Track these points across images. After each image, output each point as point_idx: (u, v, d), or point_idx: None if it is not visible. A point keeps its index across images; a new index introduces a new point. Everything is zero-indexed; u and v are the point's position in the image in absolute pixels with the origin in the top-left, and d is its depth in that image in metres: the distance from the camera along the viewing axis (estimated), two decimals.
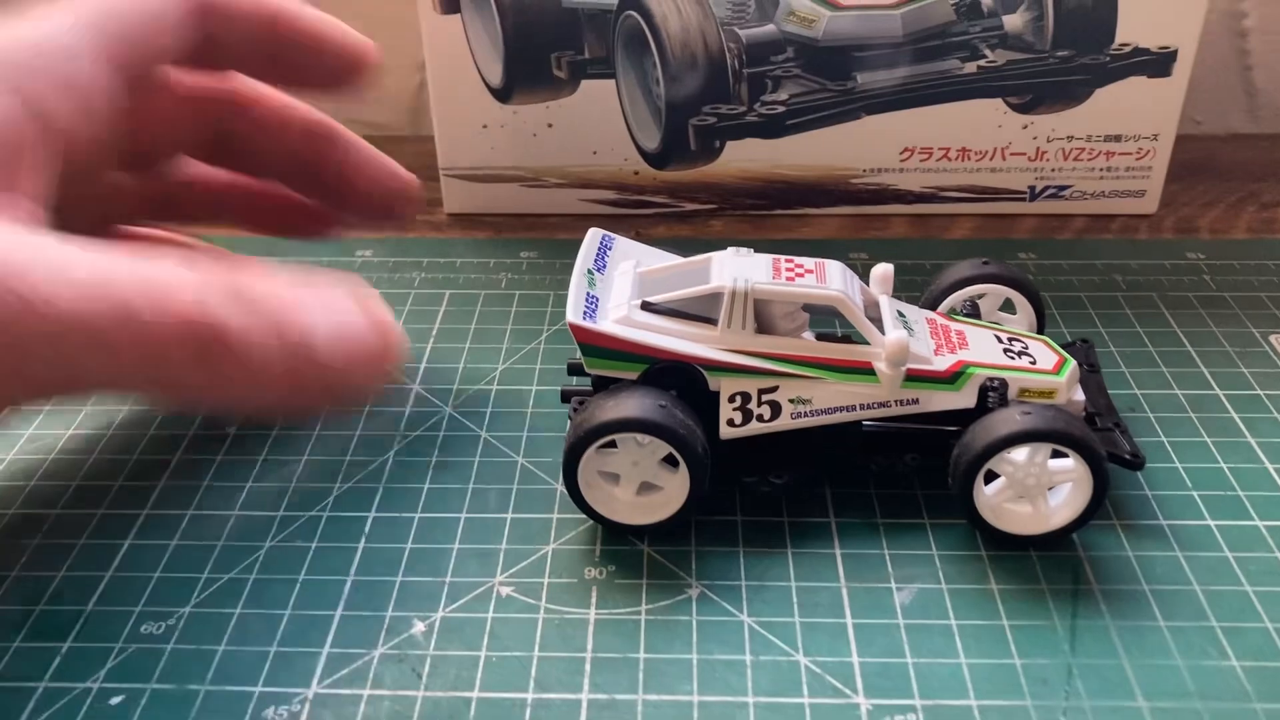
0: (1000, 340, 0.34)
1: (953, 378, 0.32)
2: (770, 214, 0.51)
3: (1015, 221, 0.50)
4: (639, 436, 0.31)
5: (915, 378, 0.32)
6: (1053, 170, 0.49)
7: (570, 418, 0.34)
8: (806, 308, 0.33)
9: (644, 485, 0.32)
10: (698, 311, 0.32)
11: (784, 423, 0.32)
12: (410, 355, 0.41)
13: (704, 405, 0.32)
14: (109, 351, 0.25)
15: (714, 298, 0.32)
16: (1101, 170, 0.49)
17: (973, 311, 0.37)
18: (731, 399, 0.32)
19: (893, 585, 0.31)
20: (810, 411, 0.32)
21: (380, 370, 0.29)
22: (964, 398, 0.32)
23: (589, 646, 0.29)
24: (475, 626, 0.30)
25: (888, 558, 0.32)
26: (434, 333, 0.43)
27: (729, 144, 0.49)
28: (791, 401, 0.32)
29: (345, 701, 0.28)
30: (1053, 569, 0.31)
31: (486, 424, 0.37)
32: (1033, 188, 0.50)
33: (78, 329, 0.24)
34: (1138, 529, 0.33)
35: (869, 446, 0.33)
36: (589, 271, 0.34)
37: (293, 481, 0.35)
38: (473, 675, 0.28)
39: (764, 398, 0.32)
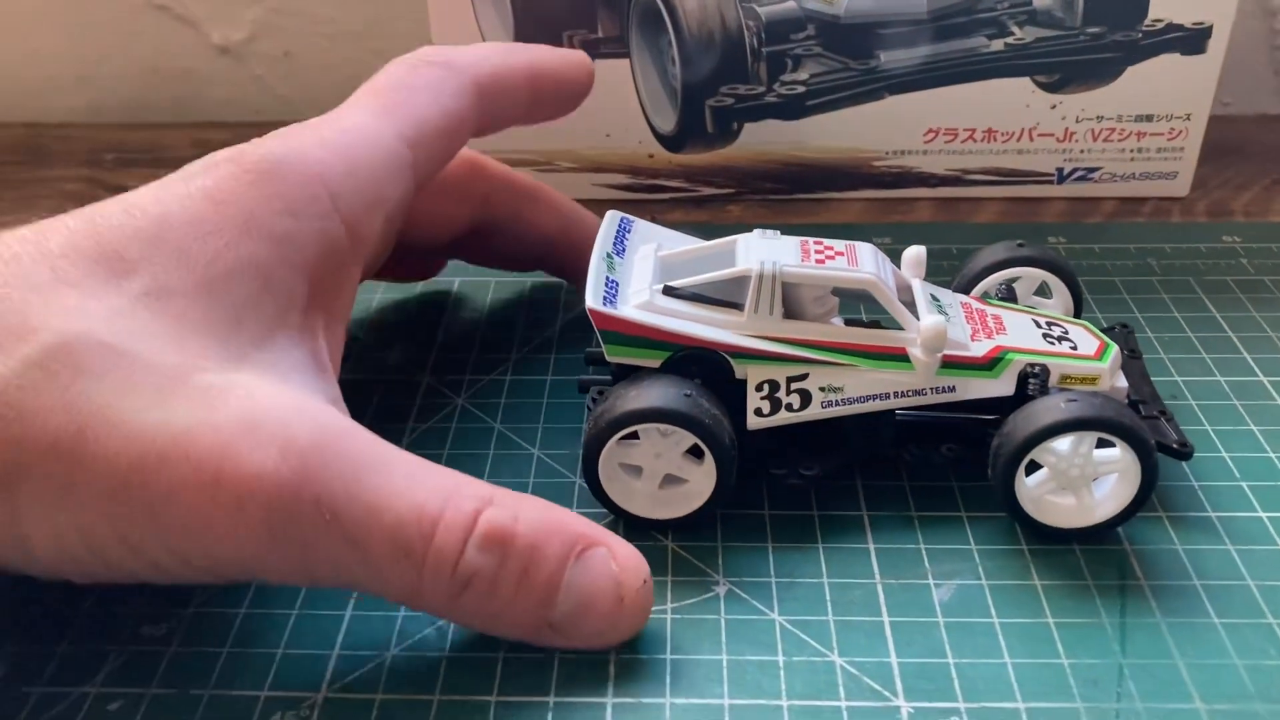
0: (1039, 325, 0.33)
1: (990, 364, 0.31)
2: (790, 198, 0.49)
3: (1043, 205, 0.48)
4: (662, 427, 0.29)
5: (952, 364, 0.30)
6: (1082, 152, 0.47)
7: (589, 409, 0.32)
8: (836, 292, 0.31)
9: (667, 478, 0.31)
10: (723, 296, 0.31)
11: (814, 412, 0.30)
12: (421, 345, 0.40)
13: (730, 394, 0.30)
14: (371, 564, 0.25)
15: (740, 282, 0.30)
16: (1132, 151, 0.47)
17: (1008, 295, 0.35)
18: (759, 387, 0.30)
19: (931, 581, 0.29)
20: (841, 400, 0.30)
21: (607, 629, 0.27)
22: (1002, 385, 0.31)
23: (611, 654, 0.28)
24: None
25: (924, 553, 0.30)
26: (444, 321, 0.41)
27: (747, 126, 0.47)
28: (822, 390, 0.30)
29: (357, 706, 0.26)
30: (1098, 564, 0.30)
31: (501, 416, 0.36)
32: (1061, 170, 0.48)
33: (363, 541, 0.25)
34: (1186, 521, 0.31)
35: (902, 436, 0.32)
36: (608, 255, 0.32)
37: None
38: (490, 680, 0.27)
39: (793, 386, 0.30)
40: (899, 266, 0.33)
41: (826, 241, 0.32)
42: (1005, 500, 0.30)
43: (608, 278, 0.31)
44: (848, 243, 0.32)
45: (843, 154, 0.48)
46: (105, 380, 0.24)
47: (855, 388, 0.30)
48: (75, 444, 0.23)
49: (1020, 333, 0.32)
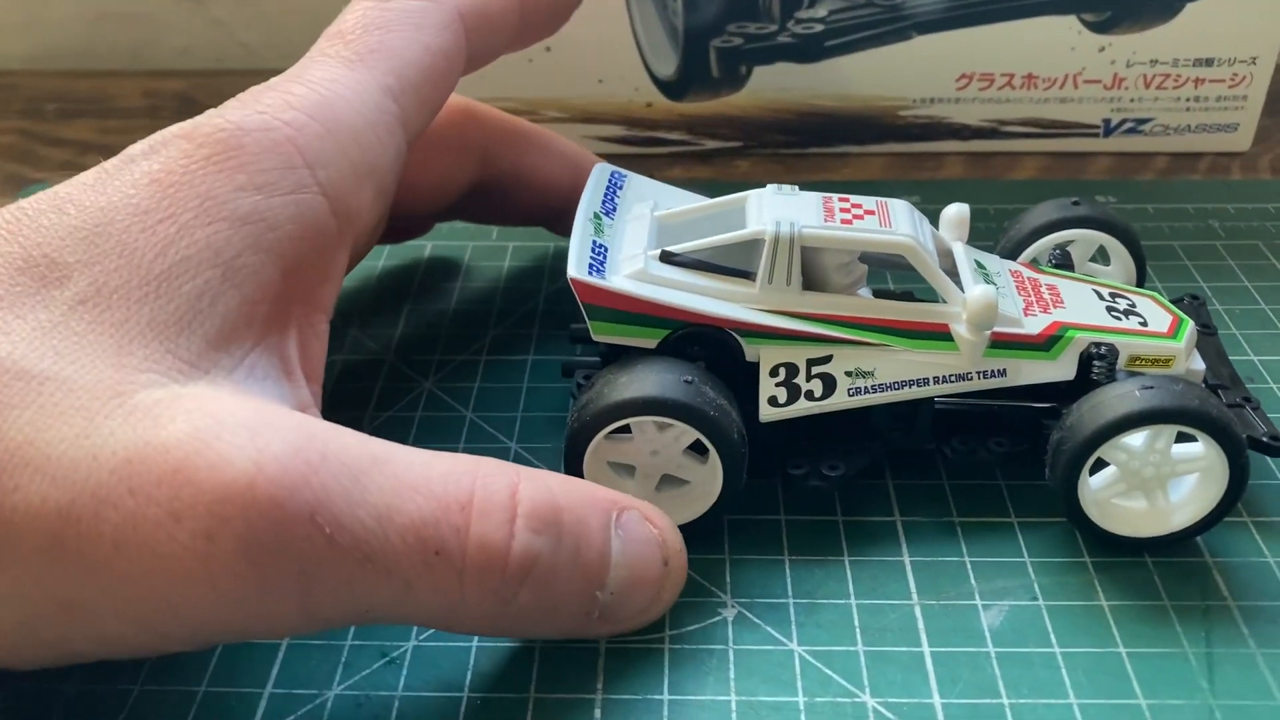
0: (1102, 296, 0.28)
1: (1048, 343, 0.26)
2: (804, 153, 0.44)
3: (1087, 161, 0.44)
4: (659, 420, 0.25)
5: (1002, 343, 0.26)
6: (1132, 101, 0.42)
7: (573, 396, 0.28)
8: (864, 259, 0.27)
9: (665, 479, 0.26)
10: (731, 264, 0.27)
11: (839, 400, 0.26)
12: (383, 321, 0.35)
13: (739, 380, 0.26)
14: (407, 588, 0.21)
15: (752, 246, 0.26)
16: (1188, 100, 0.42)
17: (1063, 262, 0.31)
18: (774, 372, 0.26)
19: (978, 602, 0.25)
20: (872, 386, 0.26)
21: (651, 602, 0.24)
22: (1062, 368, 0.26)
23: (600, 684, 0.23)
24: (455, 661, 0.24)
25: (969, 567, 0.26)
26: (412, 292, 0.36)
27: (757, 70, 0.42)
28: (848, 374, 0.26)
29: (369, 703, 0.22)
30: (1175, 581, 0.26)
31: (473, 403, 0.31)
32: (1108, 121, 0.43)
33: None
34: (1276, 529, 0.27)
35: (943, 429, 0.27)
36: (595, 216, 0.28)
37: None
38: None
39: (814, 370, 0.26)
40: (936, 228, 0.28)
41: (853, 198, 0.27)
42: (1066, 504, 0.26)
43: (595, 242, 0.27)
44: (878, 199, 0.27)
45: (864, 102, 0.43)
46: (24, 414, 0.19)
47: (888, 372, 0.26)
48: None
49: (1081, 306, 0.28)
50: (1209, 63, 0.42)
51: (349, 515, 0.20)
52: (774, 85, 0.43)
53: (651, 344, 0.26)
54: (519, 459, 0.29)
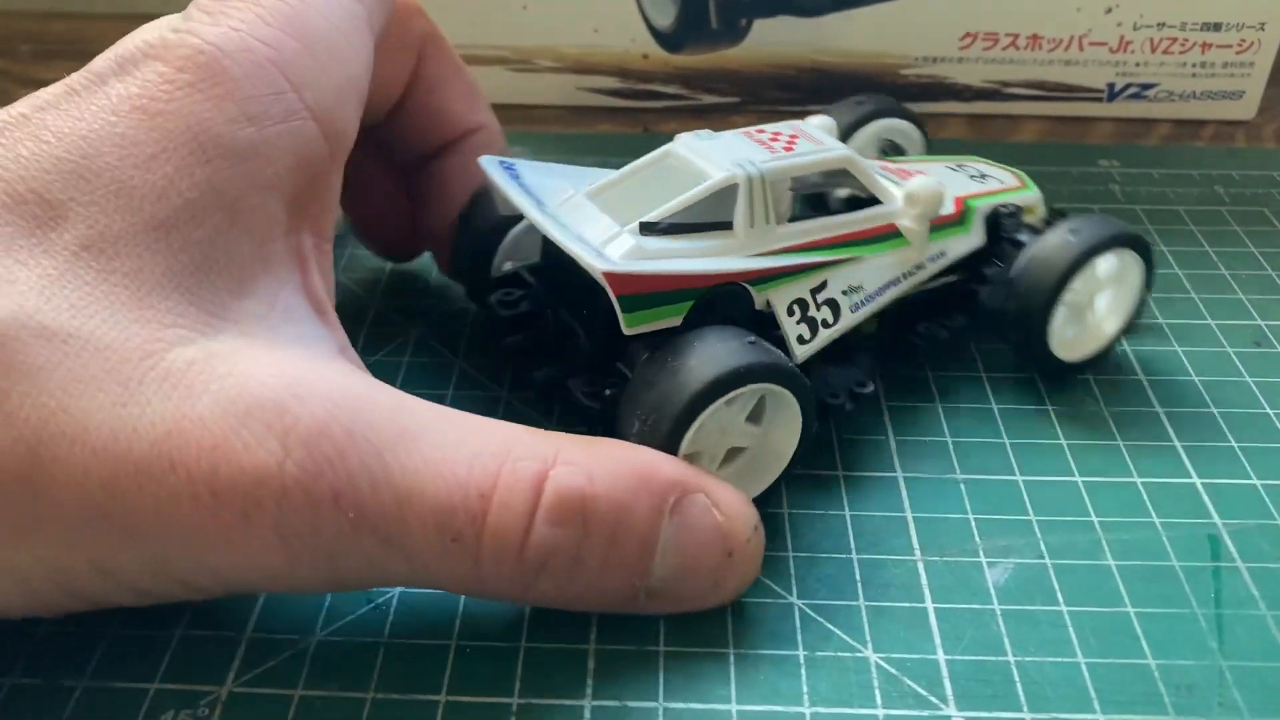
0: (955, 169, 0.31)
1: (962, 217, 0.29)
2: (803, 109, 0.43)
3: (1090, 126, 0.43)
4: (740, 391, 0.23)
5: (935, 228, 0.28)
6: (1137, 65, 0.42)
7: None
8: (798, 180, 0.27)
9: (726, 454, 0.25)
10: (702, 219, 0.25)
11: (846, 320, 0.26)
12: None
13: (757, 330, 0.25)
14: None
15: (720, 196, 0.25)
16: (1194, 66, 0.42)
17: (896, 150, 0.33)
18: (790, 311, 0.25)
19: (983, 560, 0.24)
20: (864, 299, 0.27)
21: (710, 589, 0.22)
22: (976, 237, 0.29)
23: (592, 638, 0.22)
24: (442, 607, 0.23)
25: (973, 524, 0.25)
26: None
27: (758, 23, 0.41)
28: (844, 293, 0.26)
29: (270, 703, 0.21)
30: (1184, 543, 0.25)
31: (463, 349, 0.30)
32: (1112, 85, 0.42)
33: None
34: None
35: (901, 322, 0.29)
36: (542, 208, 0.25)
37: None
38: (439, 675, 0.22)
39: (819, 298, 0.26)
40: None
41: (769, 128, 0.27)
42: (1039, 350, 0.28)
43: (575, 234, 0.24)
44: (790, 123, 0.28)
45: (867, 59, 0.42)
46: (52, 377, 0.18)
47: (871, 280, 0.27)
48: (28, 469, 0.18)
49: (954, 181, 0.30)
50: (1216, 27, 0.41)
51: (371, 499, 0.19)
52: (774, 39, 0.41)
53: (678, 320, 0.24)
54: (512, 412, 0.28)
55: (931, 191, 0.26)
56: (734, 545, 0.22)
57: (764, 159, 0.25)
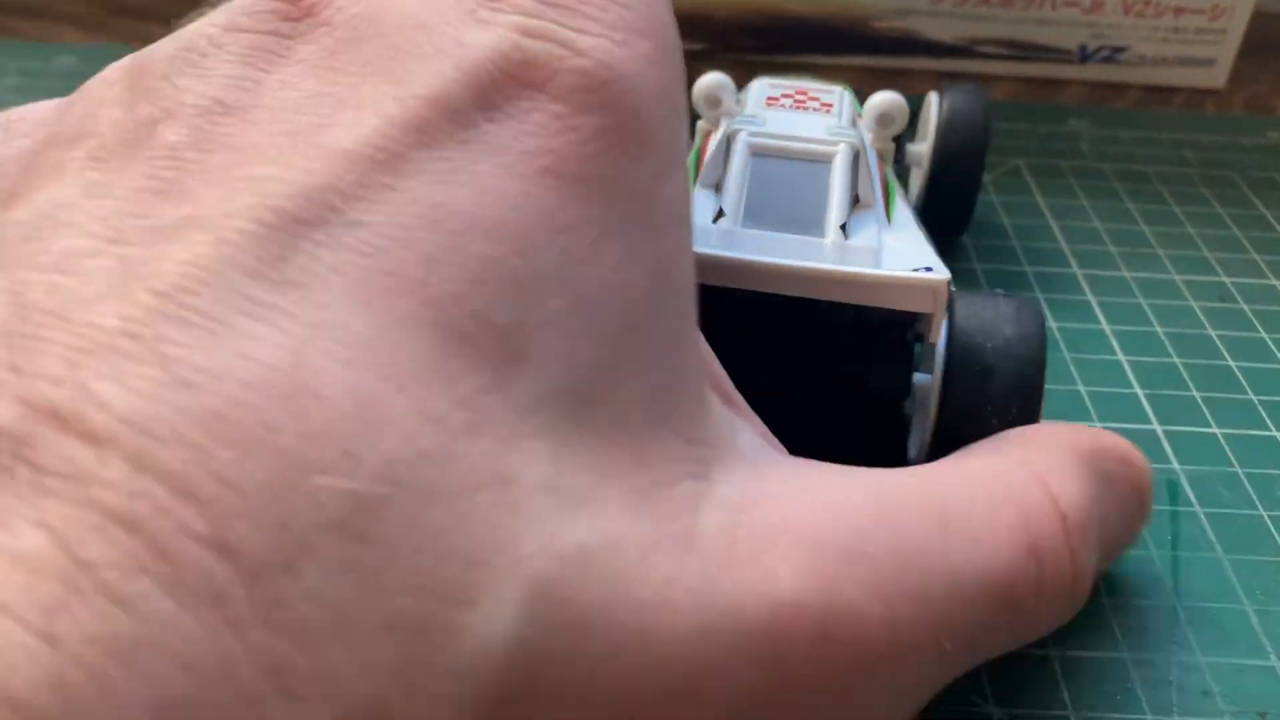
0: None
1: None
2: (769, 59, 0.42)
3: (1060, 88, 0.42)
4: None
5: None
6: (1109, 26, 0.41)
7: None
8: None
9: None
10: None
11: None
12: None
13: None
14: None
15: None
16: (1167, 31, 0.41)
17: None
18: None
19: None
20: None
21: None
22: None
23: None
24: None
25: None
26: None
27: None
28: None
29: None
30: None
31: None
32: (1084, 47, 0.42)
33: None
34: (1241, 441, 0.25)
35: None
36: None
37: None
38: None
39: None
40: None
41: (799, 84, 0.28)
42: None
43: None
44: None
45: (838, 9, 0.41)
46: (618, 588, 0.13)
47: None
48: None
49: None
50: None
51: (959, 615, 0.15)
52: None
53: None
54: None
55: None
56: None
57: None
